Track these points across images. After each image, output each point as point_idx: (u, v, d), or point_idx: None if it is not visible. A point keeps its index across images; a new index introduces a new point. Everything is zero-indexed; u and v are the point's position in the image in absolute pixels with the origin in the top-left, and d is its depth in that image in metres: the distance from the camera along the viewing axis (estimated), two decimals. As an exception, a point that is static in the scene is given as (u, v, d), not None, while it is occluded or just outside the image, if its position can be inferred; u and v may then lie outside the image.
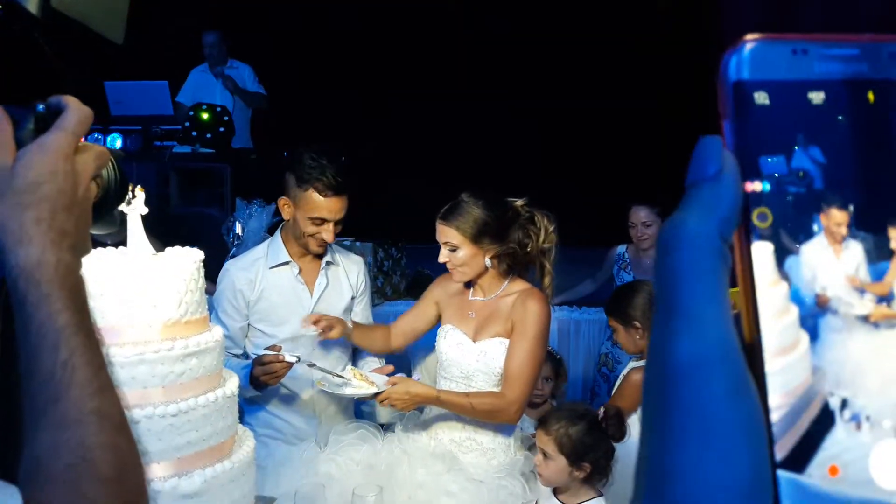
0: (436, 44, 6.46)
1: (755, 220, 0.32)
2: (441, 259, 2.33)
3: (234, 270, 2.49)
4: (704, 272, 0.30)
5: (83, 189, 0.74)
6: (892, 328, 0.32)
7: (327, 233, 2.40)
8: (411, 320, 2.51)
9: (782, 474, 0.30)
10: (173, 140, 4.79)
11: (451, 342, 2.34)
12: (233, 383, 1.60)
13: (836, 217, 0.32)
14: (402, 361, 2.89)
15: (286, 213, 2.44)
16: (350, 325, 2.45)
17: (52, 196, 0.70)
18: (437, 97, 6.44)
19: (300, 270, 2.50)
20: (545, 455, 1.94)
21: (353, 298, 2.60)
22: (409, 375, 2.38)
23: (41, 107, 0.74)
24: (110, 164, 0.81)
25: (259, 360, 2.25)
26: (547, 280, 2.38)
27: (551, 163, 5.93)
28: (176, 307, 1.49)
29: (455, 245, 2.28)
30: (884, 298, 0.32)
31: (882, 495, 0.30)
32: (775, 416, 0.30)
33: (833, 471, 0.30)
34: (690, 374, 0.29)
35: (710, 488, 0.28)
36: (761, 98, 0.33)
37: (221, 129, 4.71)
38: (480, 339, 2.32)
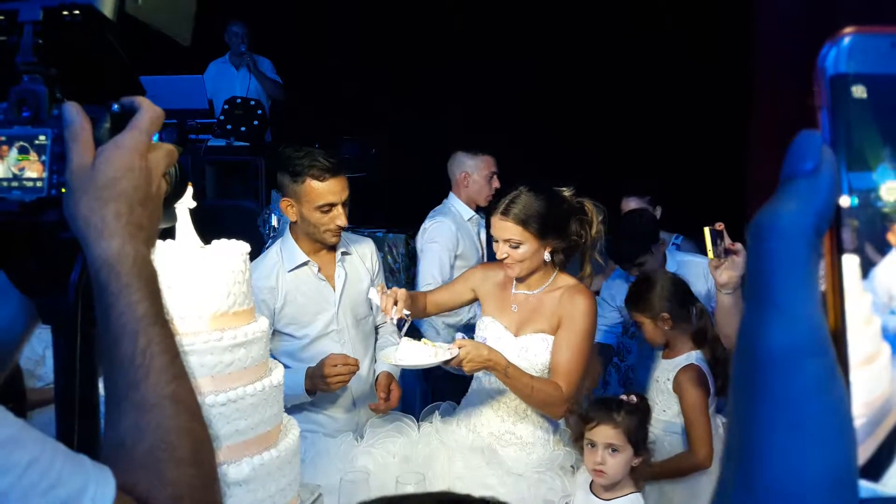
0: (471, 30, 6.44)
1: (844, 228, 0.32)
2: (500, 255, 2.23)
3: (254, 281, 2.40)
4: (798, 264, 0.30)
5: (156, 185, 0.78)
6: None
7: (340, 218, 2.37)
8: (446, 295, 2.47)
9: (861, 482, 0.30)
10: (208, 133, 4.86)
11: (491, 335, 2.30)
12: (279, 373, 1.64)
13: None
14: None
15: (291, 213, 2.41)
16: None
17: (130, 192, 0.74)
18: (469, 88, 6.43)
19: (319, 268, 2.47)
20: (612, 449, 1.92)
21: (371, 281, 2.59)
22: None
23: (116, 106, 0.78)
24: None
25: (330, 362, 2.25)
26: (588, 271, 2.37)
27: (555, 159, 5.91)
28: (224, 298, 1.53)
29: (518, 241, 2.19)
30: None
31: None
32: (855, 424, 0.31)
33: None
34: (782, 363, 0.29)
35: (799, 477, 0.29)
36: (859, 91, 0.33)
37: (256, 122, 4.77)
38: (522, 334, 2.28)
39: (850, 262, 0.32)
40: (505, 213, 2.19)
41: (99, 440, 0.78)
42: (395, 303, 2.14)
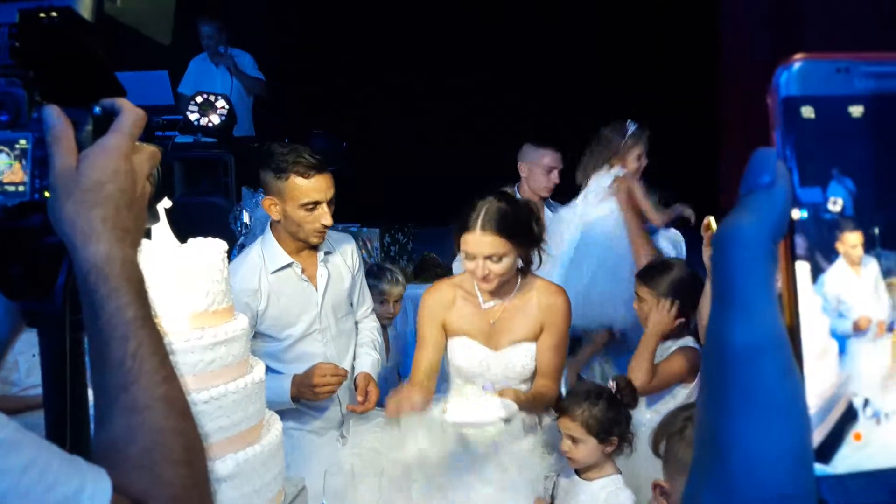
0: (442, 26, 6.44)
1: (797, 237, 0.36)
2: (480, 274, 2.11)
3: (235, 284, 2.26)
4: (757, 270, 0.34)
5: (140, 188, 0.78)
6: None
7: (325, 217, 2.33)
8: (435, 355, 2.27)
9: (816, 464, 0.34)
10: (175, 130, 4.80)
11: (471, 356, 2.24)
12: (260, 370, 1.65)
13: (853, 238, 0.36)
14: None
15: (275, 212, 2.35)
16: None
17: (115, 195, 0.74)
18: (442, 79, 6.44)
19: (303, 270, 2.43)
20: (574, 440, 1.96)
21: (353, 278, 2.58)
22: None
23: (97, 109, 0.77)
24: None
25: (319, 372, 2.26)
26: (538, 264, 2.32)
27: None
28: (203, 297, 1.53)
29: (502, 254, 2.10)
30: None
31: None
32: (809, 413, 0.34)
33: (857, 437, 0.34)
34: (747, 358, 0.33)
35: (766, 458, 0.32)
36: (807, 112, 0.36)
37: (223, 117, 4.72)
38: (503, 348, 2.24)
39: (803, 268, 0.36)
40: (484, 228, 2.08)
41: (90, 443, 0.79)
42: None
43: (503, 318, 2.24)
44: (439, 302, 2.29)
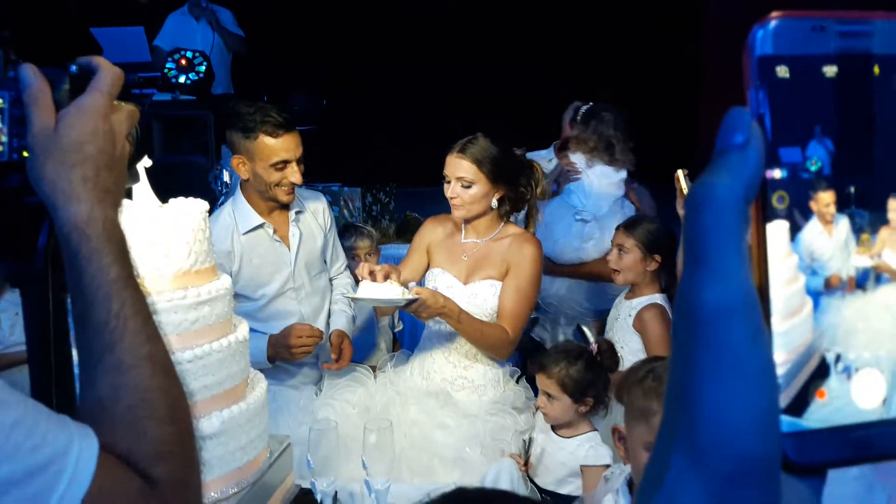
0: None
1: (774, 202, 0.36)
2: (450, 194, 2.31)
3: None
4: (730, 231, 0.34)
5: (120, 147, 0.77)
6: (876, 292, 0.37)
7: (294, 175, 2.34)
8: (407, 276, 2.42)
9: (785, 418, 0.35)
10: (152, 88, 4.71)
11: (441, 285, 2.37)
12: (244, 329, 1.66)
13: (826, 198, 0.37)
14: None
15: (243, 171, 2.36)
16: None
17: (95, 155, 0.74)
18: (424, 38, 6.35)
19: (274, 230, 2.44)
20: (549, 396, 2.02)
21: (325, 236, 2.59)
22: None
23: (74, 67, 0.77)
24: None
25: (295, 333, 2.28)
26: (533, 228, 2.45)
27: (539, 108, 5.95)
28: (186, 257, 1.52)
29: (470, 181, 2.27)
30: (872, 268, 0.37)
31: (861, 416, 0.36)
32: (782, 370, 0.35)
33: (821, 394, 0.36)
34: (717, 318, 0.33)
35: (733, 414, 0.33)
36: (782, 71, 0.36)
37: (201, 74, 4.63)
38: (472, 282, 2.36)
39: (779, 228, 0.36)
40: (462, 151, 2.28)
41: (76, 402, 0.79)
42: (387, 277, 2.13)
43: (476, 254, 2.37)
44: (430, 230, 2.50)
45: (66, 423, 0.68)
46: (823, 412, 0.36)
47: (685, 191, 2.11)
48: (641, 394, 1.48)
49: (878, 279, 0.37)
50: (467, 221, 2.38)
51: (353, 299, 2.23)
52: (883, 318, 0.37)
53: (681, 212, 2.14)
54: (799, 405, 0.35)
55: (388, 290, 2.08)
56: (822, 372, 0.36)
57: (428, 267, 2.48)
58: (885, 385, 0.36)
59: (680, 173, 2.09)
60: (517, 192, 2.36)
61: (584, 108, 3.24)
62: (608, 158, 3.08)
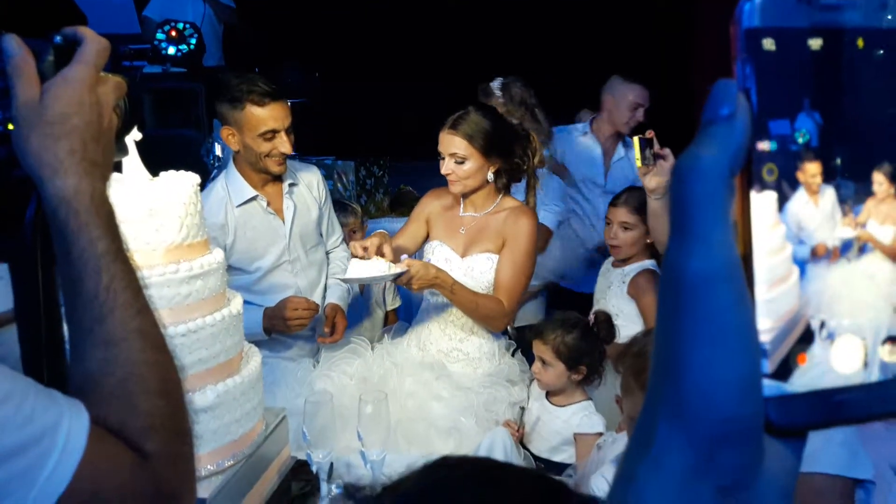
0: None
1: (764, 174, 0.36)
2: (444, 171, 2.31)
3: None
4: (716, 201, 0.35)
5: (107, 119, 0.77)
6: (859, 261, 0.38)
7: (284, 144, 2.33)
8: (403, 243, 2.46)
9: (770, 383, 0.36)
10: (143, 60, 4.65)
11: (439, 258, 2.37)
12: (237, 303, 1.65)
13: (813, 168, 0.37)
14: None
15: (233, 143, 2.36)
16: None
17: (81, 128, 0.73)
18: (419, 10, 6.28)
19: (268, 202, 2.44)
20: (544, 362, 2.05)
21: (319, 209, 2.59)
22: None
23: (58, 38, 0.75)
24: None
25: (291, 306, 2.28)
26: (532, 201, 2.46)
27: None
28: (177, 231, 1.51)
29: (463, 157, 2.27)
30: (856, 238, 0.38)
31: (842, 380, 0.37)
32: (769, 336, 0.36)
33: (804, 359, 0.37)
34: (701, 286, 0.34)
35: (717, 380, 0.34)
36: (769, 44, 0.36)
37: (192, 46, 4.58)
38: (469, 255, 2.36)
39: (768, 198, 0.37)
40: (453, 127, 2.27)
41: (66, 376, 0.79)
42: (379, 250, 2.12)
43: (474, 227, 2.38)
44: (430, 202, 2.50)
45: (55, 398, 0.68)
46: (806, 377, 0.36)
47: (639, 158, 2.14)
48: (635, 364, 1.49)
49: (862, 249, 0.38)
50: (465, 195, 2.39)
51: (343, 280, 2.25)
52: (866, 286, 0.38)
53: (643, 179, 2.18)
54: (784, 370, 0.36)
55: (376, 267, 2.08)
56: (806, 338, 0.37)
57: (427, 239, 2.49)
58: (865, 351, 0.37)
59: (636, 139, 2.13)
60: (513, 164, 2.35)
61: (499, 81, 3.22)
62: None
